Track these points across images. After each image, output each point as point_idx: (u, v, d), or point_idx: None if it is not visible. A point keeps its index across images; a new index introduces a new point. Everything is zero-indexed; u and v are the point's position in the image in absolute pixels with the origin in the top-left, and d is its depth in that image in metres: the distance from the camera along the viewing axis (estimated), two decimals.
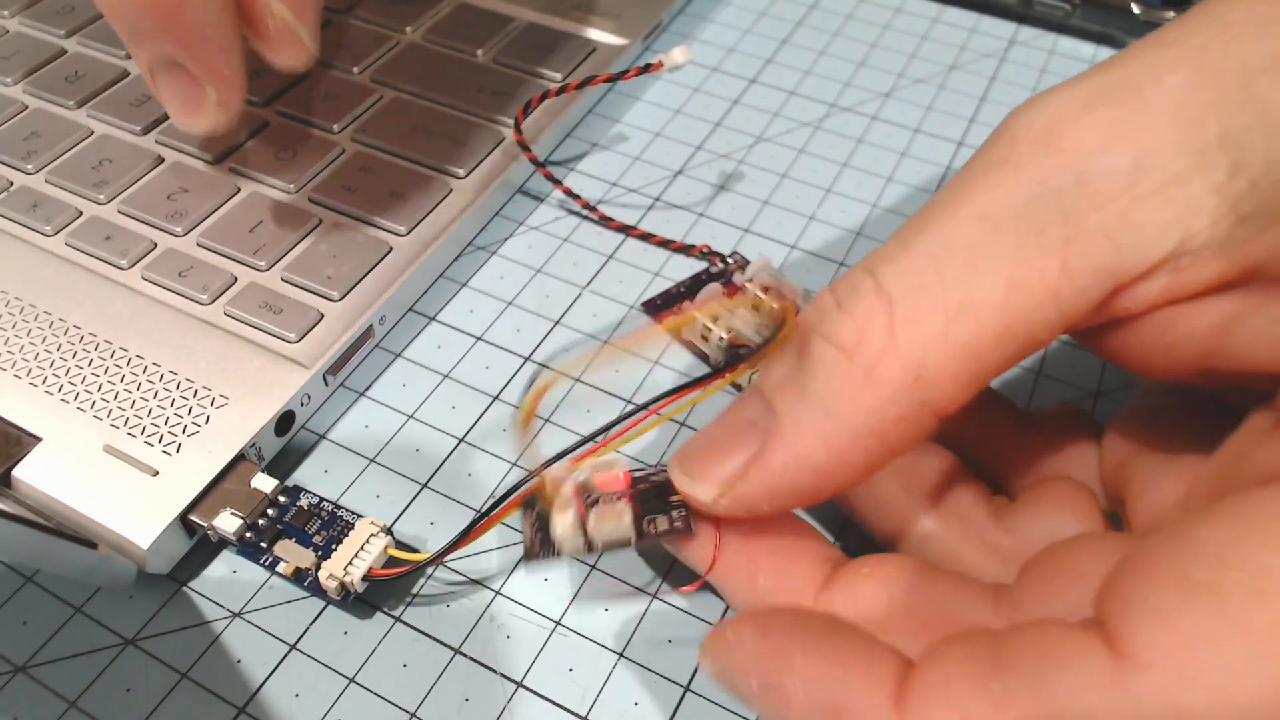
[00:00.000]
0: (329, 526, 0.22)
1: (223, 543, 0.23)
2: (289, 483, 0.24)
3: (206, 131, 0.24)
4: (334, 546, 0.22)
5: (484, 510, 0.21)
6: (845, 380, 0.17)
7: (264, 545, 0.22)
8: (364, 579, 0.21)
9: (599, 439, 0.21)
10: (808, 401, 0.17)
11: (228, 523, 0.22)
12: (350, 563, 0.21)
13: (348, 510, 0.22)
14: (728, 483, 0.18)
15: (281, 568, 0.21)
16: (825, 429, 0.17)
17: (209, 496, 0.22)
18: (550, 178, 0.30)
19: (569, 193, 0.30)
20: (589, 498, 0.20)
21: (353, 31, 0.35)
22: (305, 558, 0.21)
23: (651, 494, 0.20)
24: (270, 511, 0.22)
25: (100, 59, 0.33)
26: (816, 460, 0.17)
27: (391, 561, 0.22)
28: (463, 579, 0.22)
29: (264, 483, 0.22)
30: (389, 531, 0.22)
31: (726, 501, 0.18)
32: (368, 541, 0.21)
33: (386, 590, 0.22)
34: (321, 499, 0.23)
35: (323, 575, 0.21)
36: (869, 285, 0.17)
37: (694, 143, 0.33)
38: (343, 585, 0.21)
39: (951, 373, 0.16)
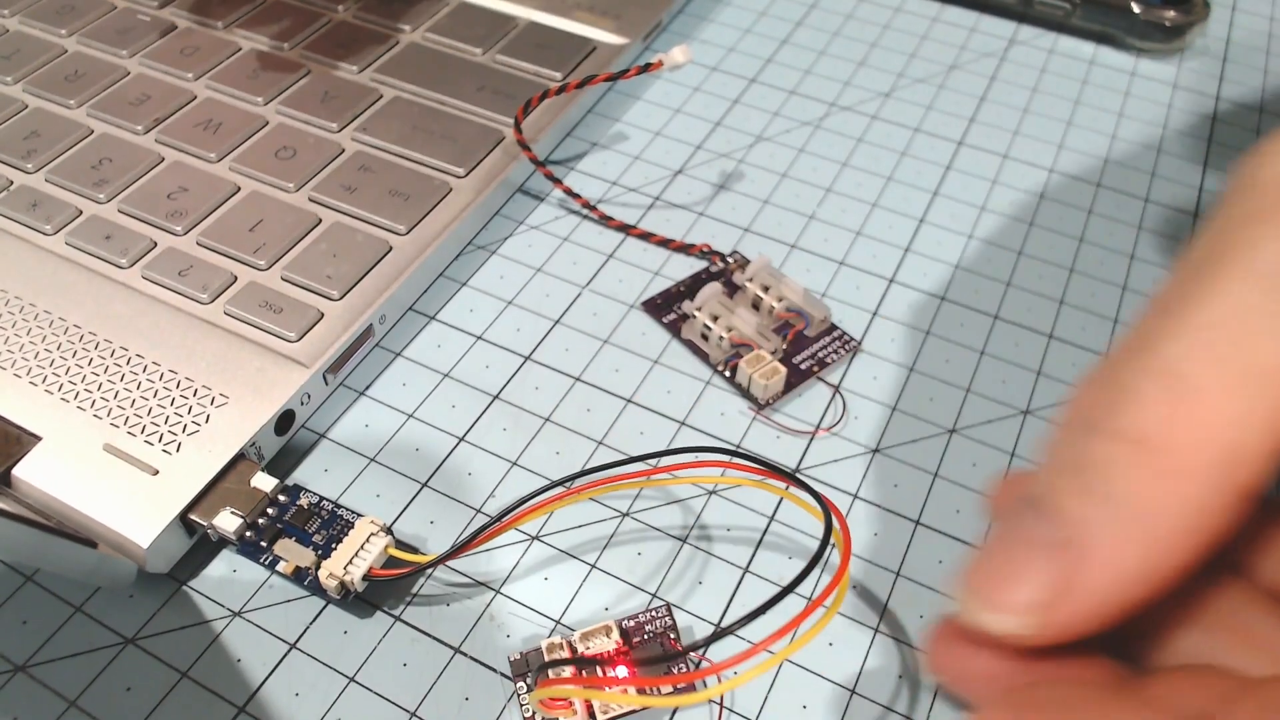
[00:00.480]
0: (329, 526, 0.22)
1: (223, 542, 0.23)
2: (288, 481, 0.24)
3: None
4: (334, 546, 0.22)
5: (493, 517, 0.21)
6: (1153, 476, 0.15)
7: (264, 544, 0.22)
8: (364, 578, 0.21)
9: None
10: (1114, 507, 0.15)
11: (228, 522, 0.22)
12: (350, 562, 0.21)
13: (348, 509, 0.22)
14: (1040, 608, 0.16)
15: (281, 566, 0.21)
16: (1142, 535, 0.15)
17: (209, 495, 0.22)
18: (550, 177, 0.30)
19: (569, 192, 0.30)
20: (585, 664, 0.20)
21: (353, 31, 0.35)
22: (305, 557, 0.21)
23: (650, 654, 0.20)
24: (270, 510, 0.22)
25: (100, 58, 0.33)
26: (1137, 571, 0.15)
27: (392, 562, 0.22)
28: (463, 578, 0.22)
29: (264, 481, 0.22)
30: (389, 531, 0.22)
31: (1044, 632, 0.16)
32: (368, 541, 0.21)
33: (386, 590, 0.22)
34: (321, 498, 0.23)
35: (322, 574, 0.21)
36: (1156, 366, 0.15)
37: (694, 142, 0.33)
38: (343, 584, 0.21)
39: (1264, 448, 0.15)
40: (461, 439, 0.25)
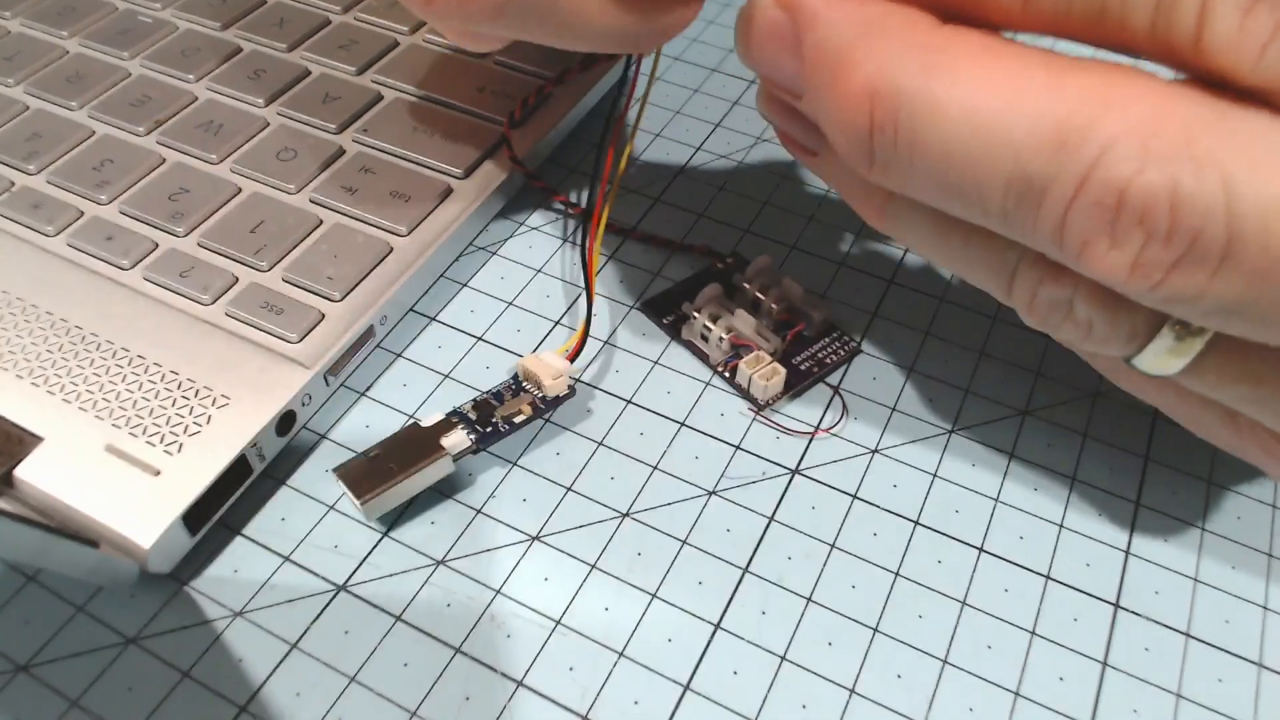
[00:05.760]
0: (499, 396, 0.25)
1: (223, 542, 0.23)
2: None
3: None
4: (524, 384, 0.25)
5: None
6: None
7: (487, 422, 0.24)
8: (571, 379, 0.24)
9: None
10: None
11: (459, 439, 0.23)
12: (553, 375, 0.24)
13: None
14: None
15: (518, 419, 0.24)
16: None
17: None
18: (543, 187, 0.30)
19: (565, 201, 0.30)
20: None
21: (353, 31, 0.35)
22: (524, 400, 0.24)
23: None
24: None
25: (101, 59, 0.34)
26: None
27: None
28: (463, 578, 0.22)
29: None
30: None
31: None
32: (541, 360, 0.24)
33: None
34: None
35: (548, 387, 0.24)
36: None
37: (694, 143, 0.33)
38: (569, 380, 0.24)
39: None
40: None
